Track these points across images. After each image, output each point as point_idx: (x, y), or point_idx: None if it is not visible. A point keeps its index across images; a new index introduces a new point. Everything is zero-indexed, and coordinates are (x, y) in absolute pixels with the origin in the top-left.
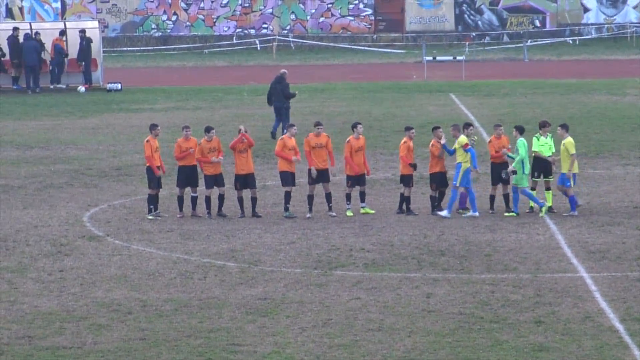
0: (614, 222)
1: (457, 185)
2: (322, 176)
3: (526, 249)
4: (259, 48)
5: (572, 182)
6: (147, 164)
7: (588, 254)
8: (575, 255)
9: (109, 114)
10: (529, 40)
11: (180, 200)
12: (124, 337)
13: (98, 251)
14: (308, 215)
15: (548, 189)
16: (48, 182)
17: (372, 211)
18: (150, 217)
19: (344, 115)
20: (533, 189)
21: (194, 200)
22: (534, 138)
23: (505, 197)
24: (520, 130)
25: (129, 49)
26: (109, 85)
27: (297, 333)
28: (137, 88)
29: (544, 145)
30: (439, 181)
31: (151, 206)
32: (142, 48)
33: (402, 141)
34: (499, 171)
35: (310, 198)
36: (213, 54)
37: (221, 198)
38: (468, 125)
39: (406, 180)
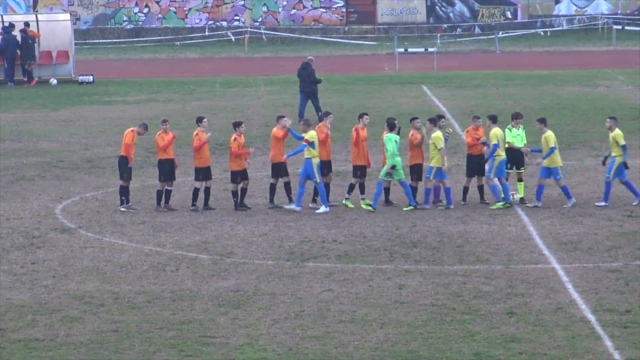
0: (586, 213)
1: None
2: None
3: (498, 240)
4: (233, 39)
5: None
6: (122, 154)
7: (560, 245)
8: (547, 246)
9: (81, 107)
10: (501, 32)
11: (161, 194)
12: (97, 329)
13: (70, 243)
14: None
15: (520, 180)
16: (20, 175)
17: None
18: (122, 209)
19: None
20: (505, 180)
21: (168, 194)
22: (506, 129)
23: (480, 188)
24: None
25: (101, 41)
26: (80, 78)
27: (270, 325)
28: (109, 80)
29: (516, 136)
30: (418, 172)
31: (123, 197)
32: (114, 40)
33: (410, 134)
34: (474, 163)
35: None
36: (185, 46)
37: (244, 191)
38: (440, 117)
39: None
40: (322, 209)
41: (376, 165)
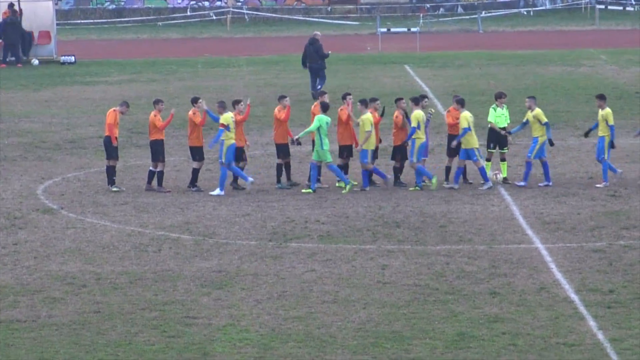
0: (569, 192)
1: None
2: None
3: (481, 220)
4: (214, 18)
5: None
6: (107, 134)
7: (543, 225)
8: (530, 226)
9: (62, 87)
10: (483, 12)
11: (153, 174)
12: (79, 310)
13: (52, 224)
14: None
15: (503, 159)
16: (2, 156)
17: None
18: (114, 189)
19: (298, 87)
20: (488, 160)
21: (161, 175)
22: (491, 109)
23: (460, 168)
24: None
25: (82, 21)
26: (62, 58)
27: (252, 305)
28: (91, 61)
29: (500, 116)
30: (403, 153)
31: (114, 177)
32: (96, 21)
33: (394, 115)
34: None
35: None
36: (167, 27)
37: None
38: (423, 97)
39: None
40: (217, 191)
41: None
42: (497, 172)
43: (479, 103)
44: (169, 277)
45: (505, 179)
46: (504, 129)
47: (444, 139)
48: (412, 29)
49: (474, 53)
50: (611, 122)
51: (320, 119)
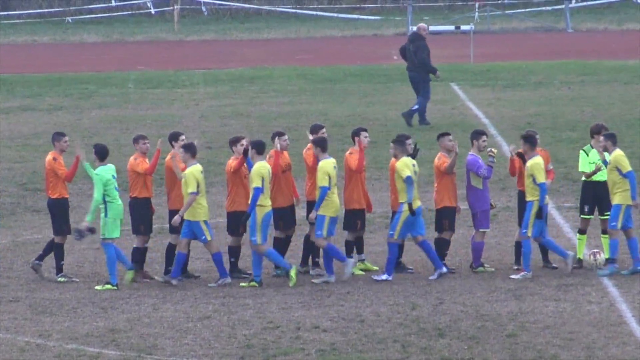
0: None
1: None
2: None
3: (572, 326)
4: (153, 11)
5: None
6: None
7: None
8: None
9: None
10: (573, 0)
11: (138, 252)
12: None
13: None
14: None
15: (605, 232)
16: None
17: (376, 267)
18: (60, 280)
19: (285, 117)
20: (583, 231)
21: (144, 252)
22: (581, 152)
23: (543, 245)
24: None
25: None
26: None
27: None
28: None
29: (596, 162)
30: (450, 219)
31: (61, 262)
32: None
33: (436, 157)
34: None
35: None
36: (80, 24)
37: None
38: (480, 133)
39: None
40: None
41: (382, 208)
42: (596, 250)
43: (567, 142)
44: None
45: (610, 260)
46: (605, 183)
47: (512, 200)
48: (463, 27)
49: (559, 64)
50: None
51: (323, 166)
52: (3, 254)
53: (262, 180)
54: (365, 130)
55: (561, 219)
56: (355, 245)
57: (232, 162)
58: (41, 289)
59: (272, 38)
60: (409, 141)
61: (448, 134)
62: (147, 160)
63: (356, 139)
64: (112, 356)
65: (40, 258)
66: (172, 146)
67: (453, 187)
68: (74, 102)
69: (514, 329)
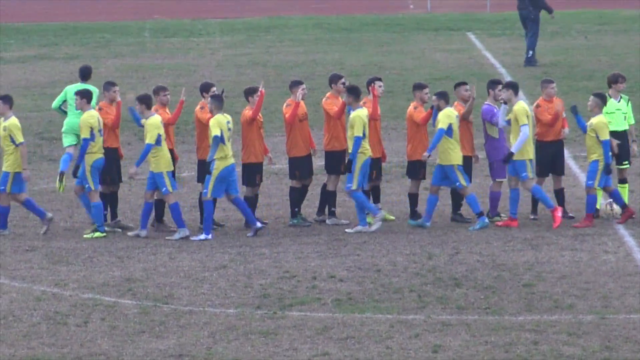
0: None
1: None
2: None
3: (588, 276)
4: None
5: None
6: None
7: None
8: None
9: None
10: None
11: (156, 205)
12: None
13: None
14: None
15: (623, 180)
16: None
17: (392, 217)
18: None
19: (301, 66)
20: (623, 180)
21: (163, 206)
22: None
23: (558, 192)
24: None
25: None
26: None
27: None
28: None
29: (614, 112)
30: (467, 169)
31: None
32: None
33: (411, 107)
34: (547, 155)
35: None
36: None
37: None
38: (495, 82)
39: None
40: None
41: (396, 157)
42: (611, 200)
43: (584, 91)
44: None
45: (624, 207)
46: (623, 132)
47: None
48: None
49: (576, 13)
50: None
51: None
52: (13, 206)
53: (221, 131)
54: (380, 79)
55: (577, 168)
56: (372, 195)
57: (247, 112)
58: (57, 238)
59: None
60: (426, 90)
61: (465, 84)
62: (167, 111)
63: (370, 87)
64: (128, 305)
65: (113, 215)
66: (203, 97)
67: (470, 136)
68: (90, 51)
69: (530, 278)
